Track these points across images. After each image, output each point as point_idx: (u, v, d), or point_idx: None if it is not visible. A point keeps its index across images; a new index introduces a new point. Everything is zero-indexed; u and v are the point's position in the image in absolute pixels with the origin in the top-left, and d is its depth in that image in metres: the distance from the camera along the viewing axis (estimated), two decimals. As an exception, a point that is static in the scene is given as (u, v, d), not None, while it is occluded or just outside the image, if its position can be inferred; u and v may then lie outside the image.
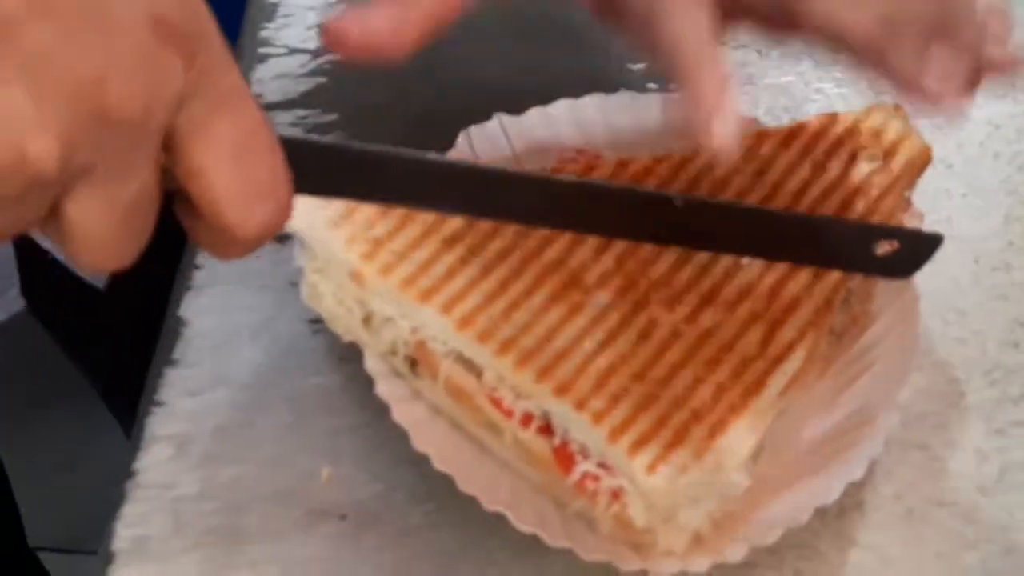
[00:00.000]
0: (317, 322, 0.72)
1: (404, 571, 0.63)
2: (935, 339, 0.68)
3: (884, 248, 0.59)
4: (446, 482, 0.65)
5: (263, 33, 0.87)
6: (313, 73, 0.85)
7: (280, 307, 0.73)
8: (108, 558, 0.64)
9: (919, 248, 0.61)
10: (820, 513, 0.61)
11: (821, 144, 0.66)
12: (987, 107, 0.77)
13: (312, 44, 0.86)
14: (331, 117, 0.82)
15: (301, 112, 0.82)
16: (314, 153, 0.51)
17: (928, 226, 0.67)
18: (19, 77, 0.42)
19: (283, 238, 0.76)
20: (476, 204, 0.54)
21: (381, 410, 0.68)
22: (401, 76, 0.84)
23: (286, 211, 0.49)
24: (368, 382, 0.69)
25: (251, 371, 0.70)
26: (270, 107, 0.83)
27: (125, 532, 0.65)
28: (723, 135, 0.56)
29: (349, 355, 0.70)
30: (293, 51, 0.86)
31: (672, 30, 0.58)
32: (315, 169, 0.50)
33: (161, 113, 0.46)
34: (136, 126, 0.45)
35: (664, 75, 0.59)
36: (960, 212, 0.72)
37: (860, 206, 0.64)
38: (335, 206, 0.63)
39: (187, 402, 0.69)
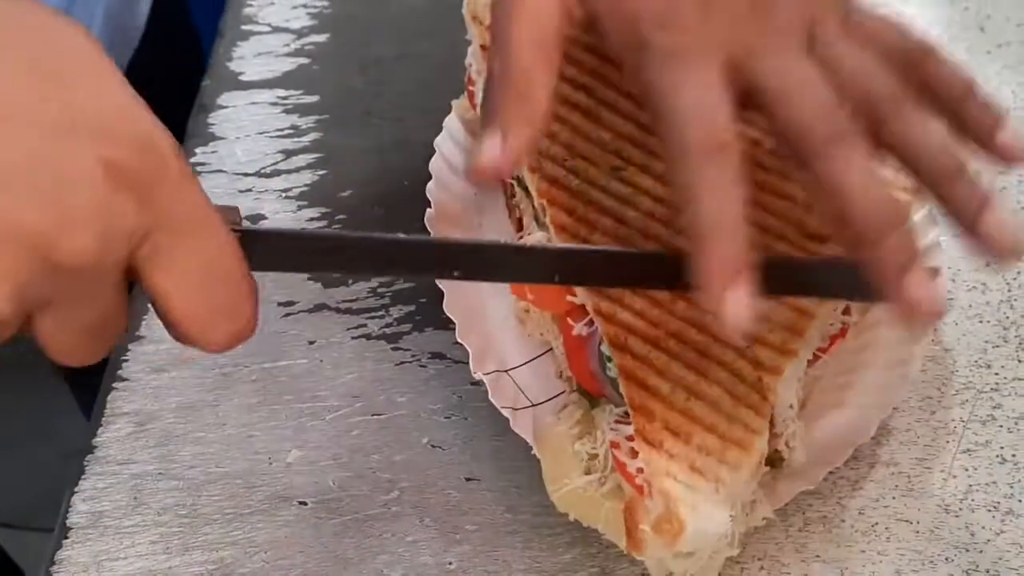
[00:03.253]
0: (288, 304, 0.71)
1: (362, 559, 0.62)
2: (908, 355, 0.68)
3: None
4: (408, 471, 0.65)
5: (247, 10, 0.86)
6: (296, 53, 0.84)
7: (251, 287, 0.72)
8: (63, 532, 0.63)
9: None
10: (784, 525, 0.61)
11: None
12: (971, 126, 0.77)
13: (296, 24, 0.86)
14: (312, 99, 0.81)
15: (282, 92, 0.82)
16: (272, 240, 0.52)
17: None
18: None
19: (255, 219, 0.75)
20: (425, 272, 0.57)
21: (348, 396, 0.68)
22: (384, 60, 0.83)
23: (249, 326, 0.50)
24: (335, 369, 0.69)
25: (218, 350, 0.70)
26: (251, 85, 0.82)
27: (82, 506, 0.64)
28: (732, 316, 0.52)
29: (318, 340, 0.70)
30: (276, 30, 0.86)
31: (685, 178, 0.53)
32: (275, 253, 0.52)
33: (116, 252, 0.46)
34: (91, 268, 0.46)
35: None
36: (941, 231, 0.72)
37: None
38: None
39: (151, 379, 0.69)
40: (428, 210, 0.68)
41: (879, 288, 0.52)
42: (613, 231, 0.62)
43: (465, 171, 0.59)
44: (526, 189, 0.64)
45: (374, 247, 0.54)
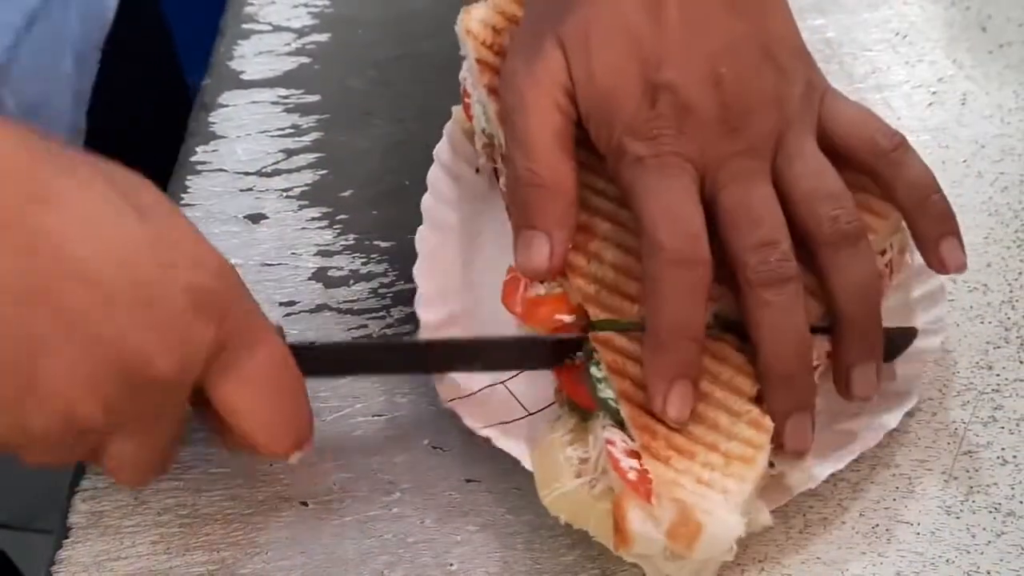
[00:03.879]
0: (289, 304, 0.71)
1: (363, 561, 0.62)
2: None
3: None
4: (409, 472, 0.65)
5: (248, 9, 0.86)
6: (297, 52, 0.84)
7: (251, 288, 0.71)
8: (63, 532, 0.63)
9: (896, 341, 0.63)
10: (784, 527, 0.61)
11: None
12: (973, 126, 0.77)
13: (297, 23, 0.85)
14: (313, 98, 0.81)
15: (283, 91, 0.81)
16: (317, 353, 0.60)
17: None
18: (75, 353, 0.49)
19: (256, 218, 0.75)
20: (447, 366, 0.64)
21: (349, 397, 0.68)
22: (385, 60, 0.83)
23: (310, 430, 0.57)
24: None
25: (219, 351, 0.70)
26: (252, 85, 0.82)
27: (83, 506, 0.64)
28: (672, 411, 0.57)
29: (321, 340, 0.70)
30: (277, 29, 0.85)
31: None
32: (314, 362, 0.59)
33: (194, 372, 0.52)
34: (172, 386, 0.51)
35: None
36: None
37: None
38: None
39: (152, 379, 0.69)
40: (420, 227, 0.68)
41: None
42: (612, 236, 0.62)
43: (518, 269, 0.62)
44: None
45: (393, 351, 0.64)
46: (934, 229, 0.62)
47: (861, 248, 0.60)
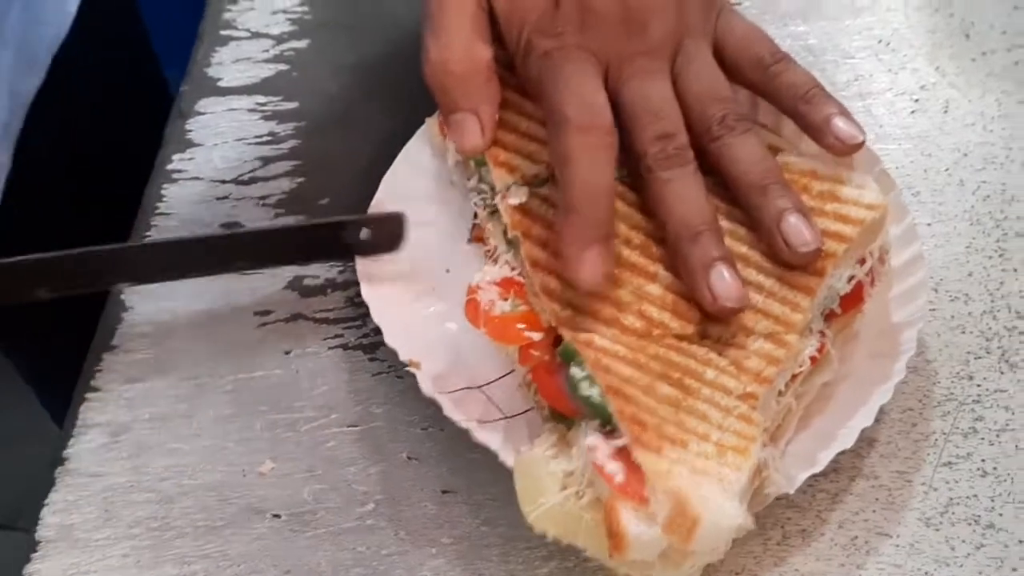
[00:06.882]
0: (263, 314, 0.71)
1: (336, 573, 0.62)
2: (889, 367, 0.67)
3: (363, 234, 0.67)
4: (384, 484, 0.64)
5: (226, 15, 0.86)
6: (275, 59, 0.83)
7: (226, 297, 0.71)
8: (32, 546, 0.63)
9: (391, 227, 0.67)
10: (762, 539, 0.60)
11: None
12: (955, 134, 0.76)
13: (275, 29, 0.85)
14: (292, 105, 0.81)
15: (260, 99, 0.81)
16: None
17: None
18: None
19: (232, 226, 0.74)
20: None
21: (324, 408, 0.67)
22: (364, 67, 0.82)
23: None
24: (311, 379, 0.68)
25: (192, 361, 0.69)
26: (229, 92, 0.81)
27: (52, 519, 0.63)
28: (585, 275, 0.59)
29: (294, 350, 0.69)
30: (255, 35, 0.85)
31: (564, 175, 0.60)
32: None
33: None
34: None
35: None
36: (924, 240, 0.71)
37: None
38: None
39: (124, 389, 0.68)
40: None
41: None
42: None
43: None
44: (493, 209, 0.64)
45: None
46: (819, 113, 0.64)
47: (748, 136, 0.63)
